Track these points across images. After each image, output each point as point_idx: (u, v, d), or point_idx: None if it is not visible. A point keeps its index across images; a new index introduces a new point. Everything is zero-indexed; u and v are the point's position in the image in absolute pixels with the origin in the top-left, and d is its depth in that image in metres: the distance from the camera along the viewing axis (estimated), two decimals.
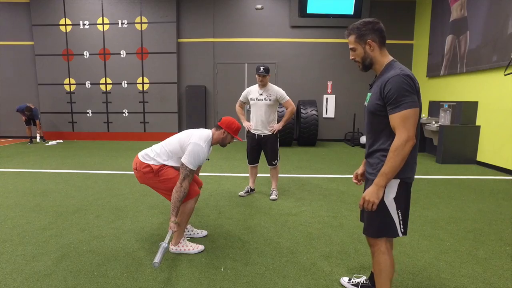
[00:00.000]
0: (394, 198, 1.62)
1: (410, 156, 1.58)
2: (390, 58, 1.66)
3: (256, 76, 3.73)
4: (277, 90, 3.79)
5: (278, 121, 3.91)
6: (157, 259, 2.09)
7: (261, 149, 3.93)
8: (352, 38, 1.67)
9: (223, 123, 2.57)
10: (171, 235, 2.34)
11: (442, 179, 4.91)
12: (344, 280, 2.14)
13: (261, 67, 3.68)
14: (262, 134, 3.83)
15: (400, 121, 1.51)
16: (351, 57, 1.72)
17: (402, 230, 1.66)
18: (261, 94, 3.78)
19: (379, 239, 1.70)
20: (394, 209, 1.63)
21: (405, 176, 1.60)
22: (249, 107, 3.95)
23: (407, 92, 1.50)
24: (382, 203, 1.63)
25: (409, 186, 1.66)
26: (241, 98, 3.98)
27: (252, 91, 3.86)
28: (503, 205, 3.70)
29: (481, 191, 4.26)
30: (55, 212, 3.40)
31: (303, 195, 4.06)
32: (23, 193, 4.04)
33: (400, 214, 1.64)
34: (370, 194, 1.58)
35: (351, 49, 1.69)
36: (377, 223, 1.68)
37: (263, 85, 3.78)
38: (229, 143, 2.64)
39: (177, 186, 2.33)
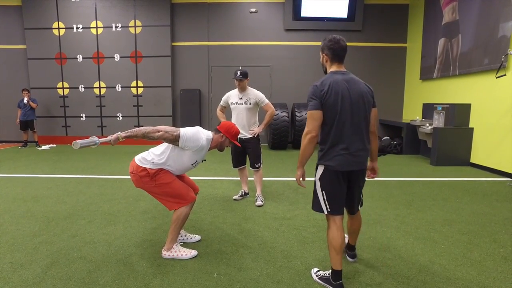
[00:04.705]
0: (319, 179, 2.06)
1: (326, 147, 2.00)
2: (332, 71, 2.02)
3: (234, 80, 3.72)
4: (256, 94, 3.78)
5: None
6: (80, 141, 2.18)
7: (245, 151, 3.91)
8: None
9: (222, 127, 2.57)
10: (107, 140, 2.36)
11: (436, 181, 4.92)
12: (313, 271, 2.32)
13: (238, 71, 3.68)
14: (244, 138, 3.81)
15: (307, 120, 2.00)
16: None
17: (329, 209, 2.03)
18: (241, 98, 3.78)
19: (326, 217, 2.09)
20: (319, 187, 2.06)
21: (326, 163, 2.01)
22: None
23: (309, 98, 1.96)
24: (315, 181, 2.09)
25: (332, 173, 2.00)
26: (221, 103, 3.97)
27: (232, 96, 3.85)
28: (497, 207, 3.71)
29: (475, 193, 4.27)
30: (46, 218, 3.34)
31: (298, 198, 4.04)
32: (13, 199, 3.97)
33: (324, 194, 2.04)
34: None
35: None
36: (312, 198, 2.14)
37: (241, 89, 3.77)
38: (226, 147, 2.66)
39: (154, 128, 2.33)
